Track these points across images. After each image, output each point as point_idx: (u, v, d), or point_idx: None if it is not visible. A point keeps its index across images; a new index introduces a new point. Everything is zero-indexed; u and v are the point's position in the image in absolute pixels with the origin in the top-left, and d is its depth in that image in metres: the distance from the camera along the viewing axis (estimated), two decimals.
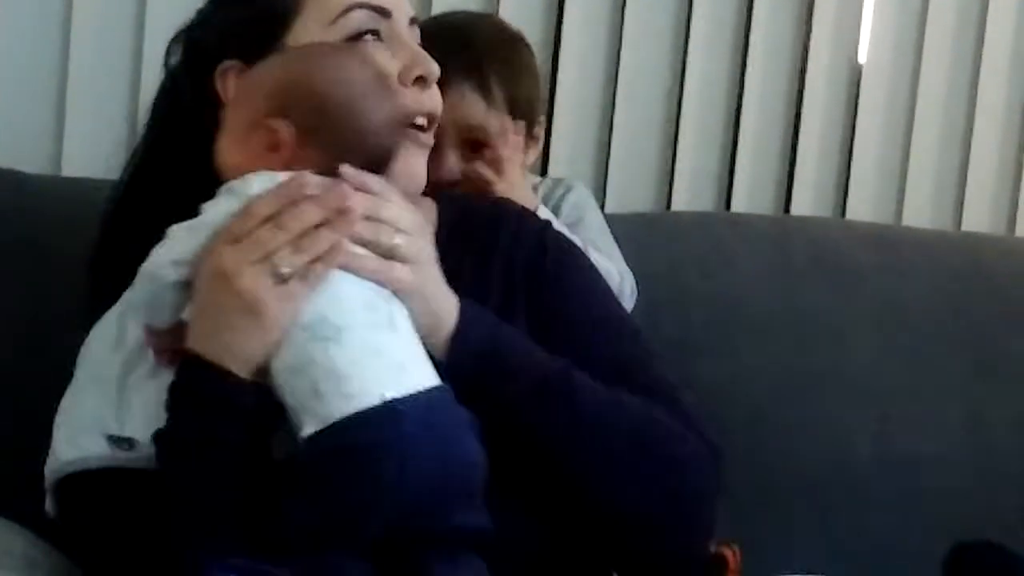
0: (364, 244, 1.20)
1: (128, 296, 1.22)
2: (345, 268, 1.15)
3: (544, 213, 1.61)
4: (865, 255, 1.89)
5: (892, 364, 1.85)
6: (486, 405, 1.22)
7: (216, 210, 1.16)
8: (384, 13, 1.34)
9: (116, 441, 1.20)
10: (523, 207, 1.52)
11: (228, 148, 1.22)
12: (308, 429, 1.10)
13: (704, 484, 1.35)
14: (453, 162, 1.62)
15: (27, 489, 1.40)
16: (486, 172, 1.61)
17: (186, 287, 1.15)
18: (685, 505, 1.34)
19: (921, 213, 2.26)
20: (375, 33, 1.34)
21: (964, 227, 2.25)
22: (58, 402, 1.32)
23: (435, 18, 1.81)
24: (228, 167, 1.21)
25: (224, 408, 1.13)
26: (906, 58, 2.25)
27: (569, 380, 1.30)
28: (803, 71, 2.19)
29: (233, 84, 1.33)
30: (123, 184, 1.39)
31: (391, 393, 1.11)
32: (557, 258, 1.42)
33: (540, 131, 1.72)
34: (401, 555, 1.13)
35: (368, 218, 1.19)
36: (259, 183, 1.15)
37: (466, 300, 1.27)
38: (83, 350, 1.32)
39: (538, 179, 1.80)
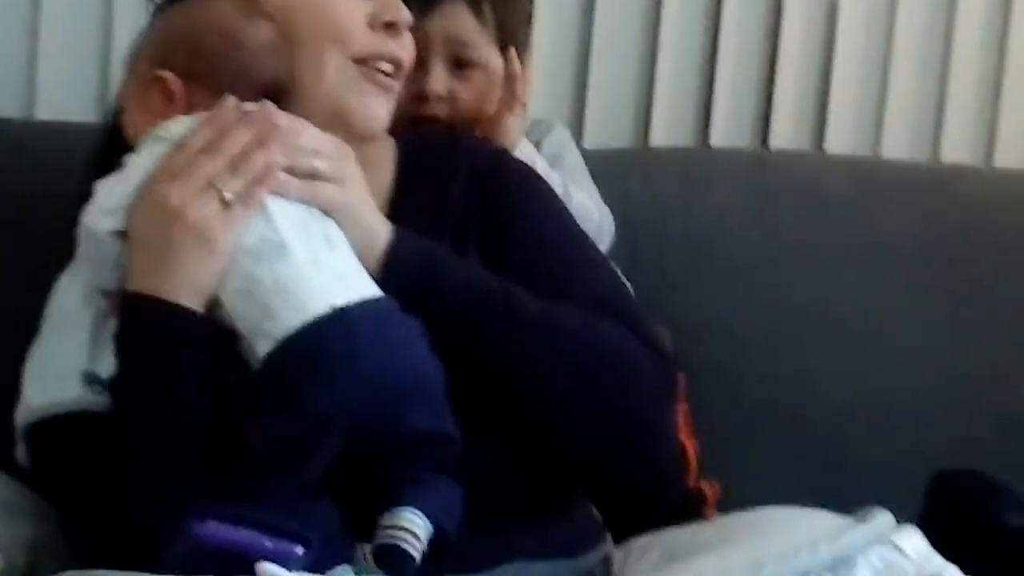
0: (286, 170, 1.24)
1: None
2: (274, 191, 1.20)
3: (527, 149, 1.63)
4: (843, 188, 1.92)
5: (870, 296, 1.88)
6: (422, 322, 1.26)
7: (141, 158, 1.20)
8: None
9: (90, 381, 1.21)
10: (475, 137, 1.57)
11: (131, 117, 1.28)
12: (263, 348, 1.14)
13: (654, 387, 1.38)
14: (440, 74, 1.63)
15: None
16: (469, 97, 1.63)
17: (122, 236, 1.18)
18: (635, 411, 1.36)
19: (899, 145, 2.27)
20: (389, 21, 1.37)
21: (943, 159, 2.26)
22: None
23: None
24: (137, 131, 1.26)
25: (180, 342, 1.16)
26: None
27: (507, 297, 1.33)
28: (779, 4, 2.19)
29: None
30: (106, 130, 1.40)
31: (339, 302, 1.16)
32: (515, 182, 1.46)
33: (529, 61, 1.72)
34: (370, 487, 1.16)
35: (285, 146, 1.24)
36: (178, 125, 1.21)
37: (402, 220, 1.31)
38: (51, 304, 1.35)
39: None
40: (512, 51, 1.66)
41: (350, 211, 1.29)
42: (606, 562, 1.41)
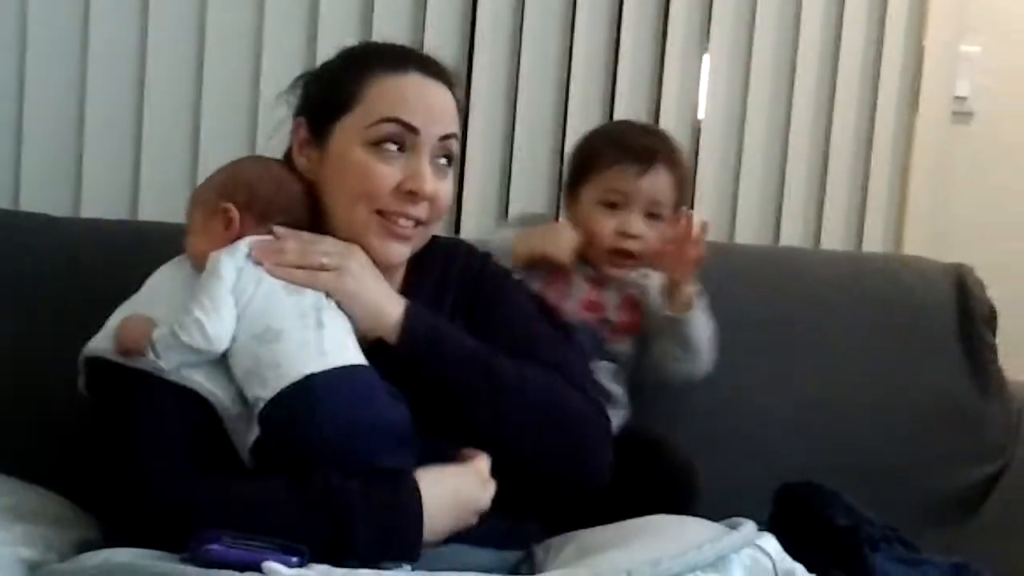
0: (298, 265, 1.52)
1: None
2: (285, 279, 1.50)
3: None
4: (707, 269, 1.95)
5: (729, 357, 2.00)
6: (426, 374, 1.52)
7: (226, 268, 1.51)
8: (412, 129, 1.58)
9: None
10: (470, 245, 1.80)
11: (195, 242, 1.58)
12: (259, 408, 1.43)
13: (594, 431, 1.62)
14: (639, 220, 1.90)
15: (61, 462, 1.71)
16: (655, 237, 1.89)
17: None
18: (580, 450, 1.61)
19: (748, 232, 2.55)
20: (400, 143, 1.58)
21: (781, 242, 2.55)
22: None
23: (620, 122, 2.20)
24: (198, 256, 1.55)
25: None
26: (735, 112, 2.55)
27: (488, 356, 1.58)
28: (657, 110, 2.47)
29: (301, 134, 1.64)
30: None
31: (309, 371, 1.44)
32: (494, 283, 1.74)
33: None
34: None
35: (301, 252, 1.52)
36: (227, 253, 1.52)
37: (414, 301, 1.57)
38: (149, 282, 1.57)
39: None
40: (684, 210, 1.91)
41: (356, 296, 1.53)
42: (529, 556, 1.57)
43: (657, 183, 1.91)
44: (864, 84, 2.59)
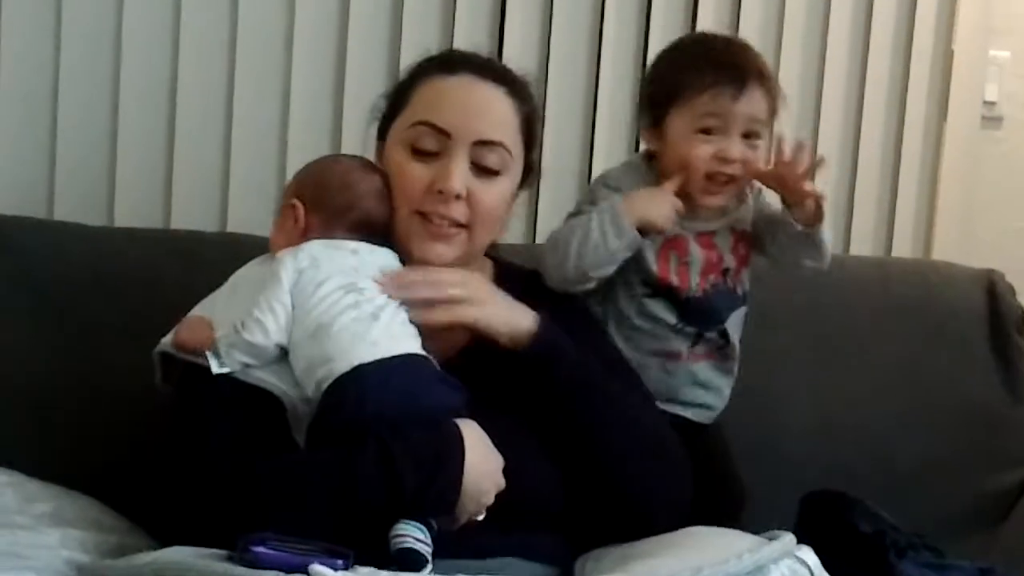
0: (431, 299, 1.58)
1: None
2: (427, 322, 1.57)
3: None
4: None
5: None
6: (551, 380, 1.60)
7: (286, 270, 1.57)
8: (444, 133, 1.62)
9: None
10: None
11: (273, 235, 1.66)
12: (322, 388, 1.49)
13: (685, 462, 1.70)
14: (738, 143, 1.79)
15: (98, 468, 1.81)
16: (755, 159, 1.81)
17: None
18: (675, 472, 1.67)
19: None
20: (434, 146, 1.62)
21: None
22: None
23: (702, 36, 2.09)
24: (273, 249, 1.63)
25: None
26: None
27: (604, 376, 1.66)
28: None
29: (372, 133, 1.71)
30: None
31: (359, 361, 1.49)
32: (581, 313, 1.78)
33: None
34: None
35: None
36: (290, 255, 1.58)
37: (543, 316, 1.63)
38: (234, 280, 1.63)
39: None
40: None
41: (486, 319, 1.60)
42: (568, 571, 1.61)
43: (754, 102, 1.80)
44: (893, 89, 2.58)
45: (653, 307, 1.86)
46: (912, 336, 2.22)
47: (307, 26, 2.43)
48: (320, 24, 2.44)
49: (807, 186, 1.80)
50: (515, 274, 1.78)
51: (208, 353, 1.54)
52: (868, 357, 2.20)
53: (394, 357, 1.51)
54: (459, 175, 1.62)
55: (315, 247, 1.60)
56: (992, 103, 2.65)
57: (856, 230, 2.59)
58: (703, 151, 1.80)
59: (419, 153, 1.63)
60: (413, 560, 1.42)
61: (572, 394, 1.62)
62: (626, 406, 1.67)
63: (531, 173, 1.76)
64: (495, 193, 1.66)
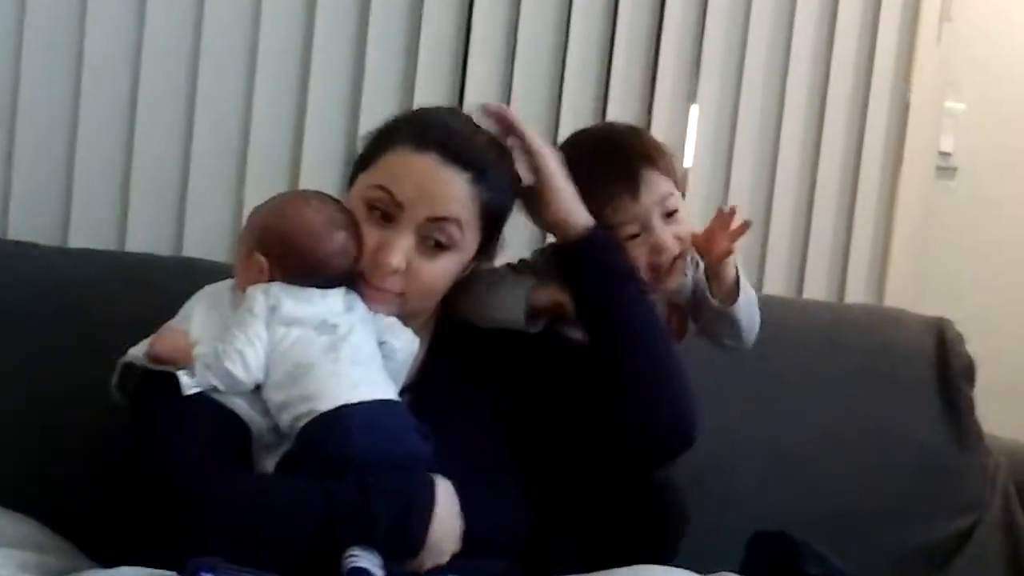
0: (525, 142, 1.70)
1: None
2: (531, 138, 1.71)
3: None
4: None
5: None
6: (591, 274, 1.68)
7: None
8: (397, 204, 1.62)
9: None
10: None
11: (239, 273, 1.64)
12: (295, 432, 1.51)
13: (696, 404, 1.72)
14: (664, 234, 1.76)
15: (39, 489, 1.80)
16: (685, 232, 1.78)
17: None
18: (684, 406, 1.70)
19: None
20: (385, 213, 1.63)
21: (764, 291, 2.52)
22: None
23: (583, 137, 1.91)
24: (241, 283, 1.62)
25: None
26: (721, 162, 2.57)
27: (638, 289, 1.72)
28: None
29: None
30: None
31: (342, 401, 1.51)
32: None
33: None
34: None
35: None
36: (262, 291, 1.58)
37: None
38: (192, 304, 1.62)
39: None
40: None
41: (554, 184, 1.70)
42: None
43: (654, 187, 1.78)
44: (850, 138, 2.62)
45: None
46: (862, 381, 2.23)
47: (271, 54, 2.44)
48: (284, 52, 2.45)
49: (724, 243, 1.78)
50: (467, 333, 1.78)
51: (181, 371, 1.54)
52: (817, 400, 2.21)
53: (375, 401, 1.54)
54: (399, 250, 1.63)
55: (284, 288, 1.61)
56: (947, 154, 2.70)
57: (810, 274, 2.62)
58: (638, 255, 1.78)
59: (374, 212, 1.65)
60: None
61: (605, 299, 1.70)
62: (660, 327, 1.75)
63: (488, 254, 1.76)
64: (437, 269, 1.67)
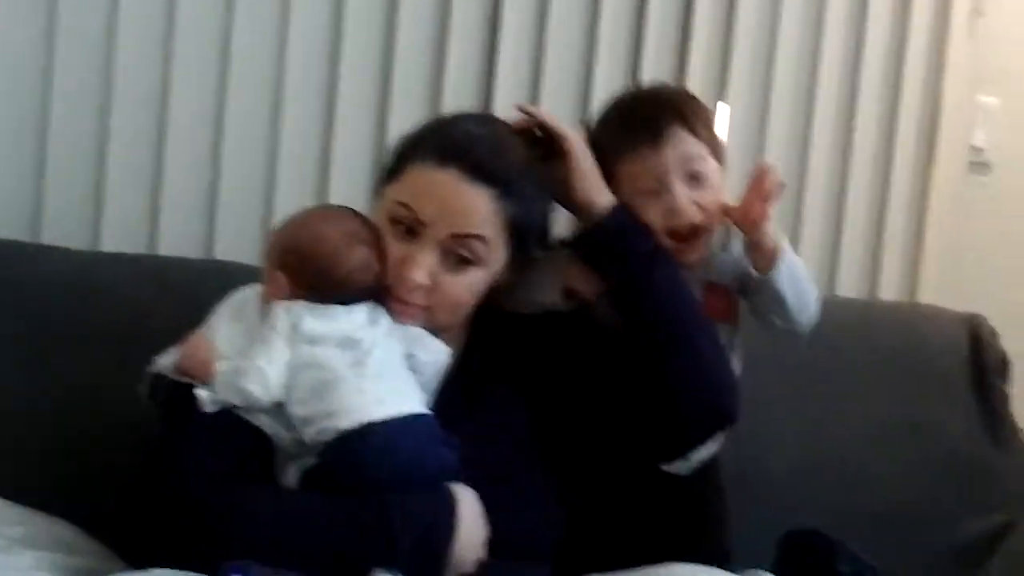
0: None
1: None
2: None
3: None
4: None
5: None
6: (619, 256, 1.68)
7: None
8: (421, 222, 1.61)
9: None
10: None
11: (265, 288, 1.64)
12: (320, 448, 1.51)
13: (732, 376, 1.74)
14: (682, 197, 1.71)
15: (72, 491, 1.81)
16: (710, 199, 1.72)
17: None
18: (719, 380, 1.70)
19: None
20: (409, 228, 1.62)
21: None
22: None
23: (623, 94, 1.87)
24: (266, 297, 1.62)
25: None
26: (751, 160, 2.50)
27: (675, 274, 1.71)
28: None
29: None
30: None
31: (369, 419, 1.51)
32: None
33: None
34: None
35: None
36: (284, 309, 1.58)
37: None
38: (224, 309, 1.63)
39: None
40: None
41: (581, 161, 1.69)
42: None
43: (679, 144, 1.72)
44: (881, 134, 2.61)
45: None
46: (895, 379, 2.23)
47: (299, 58, 2.43)
48: (313, 55, 2.44)
49: (757, 209, 1.71)
50: (501, 324, 1.77)
51: (201, 388, 1.54)
52: (851, 399, 2.21)
53: (400, 418, 1.54)
54: (422, 266, 1.62)
55: (306, 306, 1.60)
56: (980, 149, 2.68)
57: (842, 272, 2.61)
58: (651, 214, 1.74)
59: (398, 226, 1.63)
60: None
61: (628, 275, 1.69)
62: (690, 304, 1.73)
63: (520, 266, 1.74)
64: (463, 284, 1.65)
